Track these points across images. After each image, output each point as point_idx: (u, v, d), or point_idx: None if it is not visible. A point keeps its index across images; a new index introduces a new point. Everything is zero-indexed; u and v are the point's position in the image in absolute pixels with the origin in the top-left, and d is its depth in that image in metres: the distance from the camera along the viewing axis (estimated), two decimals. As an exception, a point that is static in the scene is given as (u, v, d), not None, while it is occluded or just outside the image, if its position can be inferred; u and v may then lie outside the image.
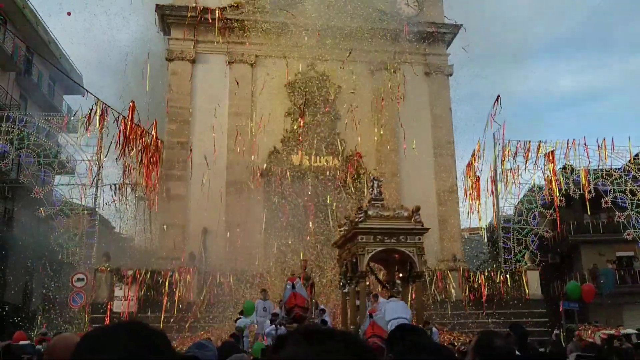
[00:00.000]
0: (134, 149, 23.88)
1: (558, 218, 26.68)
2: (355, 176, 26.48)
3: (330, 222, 24.94)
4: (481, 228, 28.84)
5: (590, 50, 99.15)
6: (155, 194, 25.24)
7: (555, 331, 21.48)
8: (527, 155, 26.66)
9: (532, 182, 27.53)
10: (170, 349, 1.38)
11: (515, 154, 26.76)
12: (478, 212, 26.73)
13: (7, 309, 25.54)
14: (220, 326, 20.06)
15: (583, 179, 26.67)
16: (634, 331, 19.25)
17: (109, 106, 23.74)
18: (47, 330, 17.95)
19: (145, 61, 26.06)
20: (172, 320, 20.56)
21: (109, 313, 20.71)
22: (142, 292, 21.49)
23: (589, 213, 28.72)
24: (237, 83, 27.01)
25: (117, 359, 1.25)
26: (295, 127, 27.25)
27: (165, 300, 21.22)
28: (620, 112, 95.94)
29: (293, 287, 11.37)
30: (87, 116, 24.27)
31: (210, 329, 20.05)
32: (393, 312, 11.84)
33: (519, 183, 27.08)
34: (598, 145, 26.71)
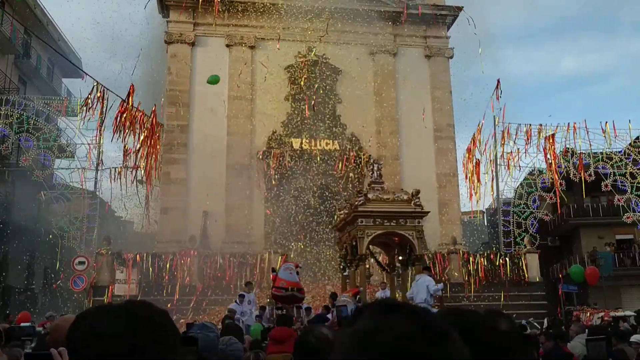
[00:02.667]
0: (134, 132, 23.86)
1: (558, 202, 26.72)
2: (356, 159, 26.44)
3: (331, 205, 24.99)
4: (478, 211, 28.83)
5: (593, 32, 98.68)
6: (155, 178, 25.27)
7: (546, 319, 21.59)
8: (528, 139, 26.64)
9: (533, 166, 27.56)
10: (174, 328, 1.41)
11: (516, 137, 26.76)
12: (477, 195, 26.77)
13: (10, 291, 25.66)
14: (221, 309, 20.17)
15: (579, 164, 26.66)
16: (633, 313, 19.37)
17: (108, 89, 23.67)
18: (53, 313, 18.10)
19: (145, 44, 25.97)
20: (173, 303, 20.67)
21: (110, 296, 20.82)
22: (144, 276, 21.58)
23: (584, 197, 28.77)
24: (236, 66, 26.93)
25: (117, 333, 1.28)
26: (294, 111, 27.18)
27: (166, 284, 21.33)
28: (622, 94, 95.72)
29: (273, 270, 11.75)
30: (86, 100, 24.22)
31: (211, 312, 20.16)
32: (415, 295, 11.83)
33: (519, 166, 27.12)
34: (602, 129, 26.67)
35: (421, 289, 11.76)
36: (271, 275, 12.20)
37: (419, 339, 0.98)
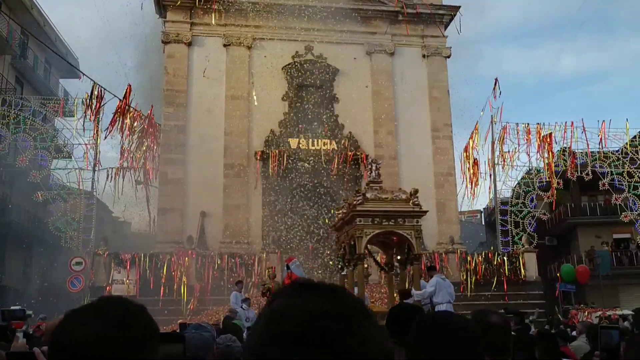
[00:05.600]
0: (130, 132, 23.82)
1: (554, 201, 26.76)
2: (354, 159, 26.42)
3: (329, 205, 25.00)
4: (469, 211, 28.85)
5: (592, 32, 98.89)
6: (152, 178, 25.25)
7: (531, 317, 21.55)
8: (528, 138, 26.65)
9: (530, 165, 27.59)
10: (151, 322, 1.40)
11: (517, 136, 26.79)
12: (473, 194, 26.79)
13: (7, 292, 25.61)
14: (219, 309, 20.13)
15: (571, 162, 26.69)
16: (630, 312, 19.38)
17: (106, 89, 23.64)
18: (45, 315, 18.08)
19: (143, 45, 25.95)
20: (171, 303, 20.63)
21: (108, 296, 20.73)
22: (142, 276, 21.53)
23: (572, 195, 28.80)
24: (233, 66, 26.94)
25: (90, 333, 1.28)
26: (292, 110, 27.17)
27: (164, 284, 21.28)
28: (621, 94, 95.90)
29: (288, 267, 11.54)
30: (84, 100, 24.18)
31: (209, 312, 20.13)
32: (446, 293, 12.09)
33: (512, 166, 27.14)
34: (599, 129, 26.71)
35: (449, 289, 12.22)
36: (286, 272, 11.94)
37: (326, 316, 0.99)
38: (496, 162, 27.11)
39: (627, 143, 27.44)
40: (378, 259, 15.20)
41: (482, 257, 24.06)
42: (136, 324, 1.33)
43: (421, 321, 1.97)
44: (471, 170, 26.90)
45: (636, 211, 26.70)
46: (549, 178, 26.49)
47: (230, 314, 14.12)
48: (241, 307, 15.30)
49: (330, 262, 22.68)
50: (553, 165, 26.61)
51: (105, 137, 23.85)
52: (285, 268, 11.39)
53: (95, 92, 23.65)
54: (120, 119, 24.04)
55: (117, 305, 1.37)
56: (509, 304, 21.04)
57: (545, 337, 5.69)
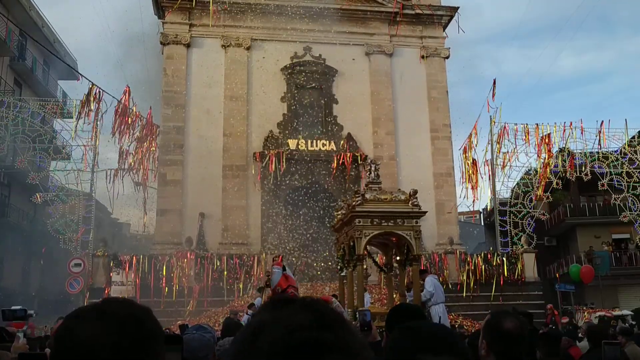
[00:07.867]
0: (130, 133, 23.81)
1: (542, 202, 26.78)
2: (352, 160, 26.41)
3: (328, 205, 24.97)
4: (470, 211, 28.82)
5: (591, 32, 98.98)
6: (148, 179, 25.25)
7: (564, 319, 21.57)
8: (527, 139, 26.65)
9: (529, 165, 27.59)
10: (156, 326, 1.38)
11: (515, 137, 26.78)
12: (473, 193, 26.78)
13: (6, 293, 25.57)
14: (218, 310, 20.12)
15: (570, 162, 26.68)
16: (629, 312, 19.41)
17: (104, 90, 23.62)
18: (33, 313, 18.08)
19: (142, 46, 25.93)
20: (170, 305, 20.58)
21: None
22: (141, 278, 21.48)
23: (568, 196, 28.72)
24: (232, 67, 26.94)
25: (91, 335, 1.26)
26: (291, 111, 27.17)
27: (163, 286, 21.24)
28: (620, 94, 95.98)
29: (284, 268, 11.46)
30: (82, 102, 24.15)
31: (208, 313, 20.11)
32: (441, 294, 12.61)
33: (516, 166, 27.14)
34: (598, 130, 26.72)
35: (441, 289, 12.66)
36: (280, 276, 11.76)
37: (310, 328, 1.01)
38: (495, 162, 27.10)
39: (625, 143, 27.43)
40: (377, 259, 15.19)
41: (481, 257, 24.04)
42: (139, 326, 1.32)
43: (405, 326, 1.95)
44: (470, 171, 26.88)
45: (635, 211, 26.69)
46: (540, 177, 26.46)
47: (231, 315, 14.07)
48: (246, 314, 15.18)
49: (330, 263, 22.64)
50: (551, 165, 26.59)
51: (100, 129, 23.77)
52: (281, 270, 11.25)
53: (93, 94, 23.60)
54: (119, 121, 24.00)
55: (121, 307, 1.35)
56: (505, 304, 21.06)
57: (547, 338, 5.68)
